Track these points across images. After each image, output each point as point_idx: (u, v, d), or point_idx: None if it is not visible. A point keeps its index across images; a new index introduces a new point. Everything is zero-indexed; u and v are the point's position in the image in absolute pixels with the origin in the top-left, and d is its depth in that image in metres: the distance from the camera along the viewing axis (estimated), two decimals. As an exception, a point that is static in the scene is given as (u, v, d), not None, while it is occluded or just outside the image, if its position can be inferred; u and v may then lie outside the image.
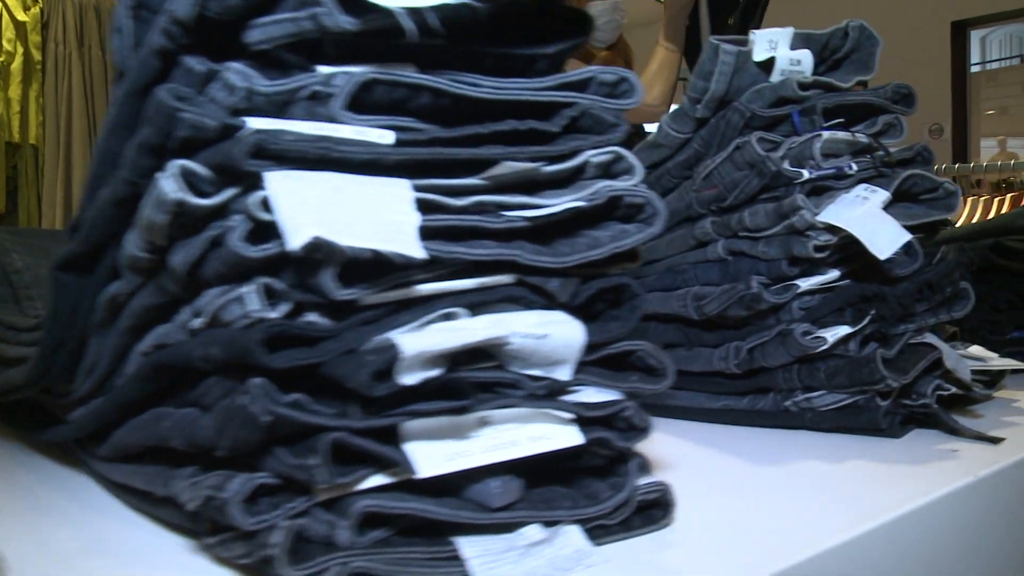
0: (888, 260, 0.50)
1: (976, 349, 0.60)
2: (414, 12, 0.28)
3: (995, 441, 0.48)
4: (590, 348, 0.34)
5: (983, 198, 1.55)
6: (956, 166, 1.71)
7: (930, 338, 0.52)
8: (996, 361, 0.57)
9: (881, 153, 0.55)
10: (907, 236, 0.50)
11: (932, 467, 0.44)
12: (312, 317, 0.29)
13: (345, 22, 0.28)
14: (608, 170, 0.35)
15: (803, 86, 0.54)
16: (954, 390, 0.52)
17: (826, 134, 0.53)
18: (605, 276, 0.35)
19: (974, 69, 4.31)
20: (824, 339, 0.50)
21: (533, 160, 0.33)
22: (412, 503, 0.29)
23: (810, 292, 0.52)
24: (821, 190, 0.53)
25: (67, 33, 2.66)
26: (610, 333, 0.34)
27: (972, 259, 0.67)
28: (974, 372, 0.57)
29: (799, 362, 0.51)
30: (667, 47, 1.59)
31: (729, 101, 0.54)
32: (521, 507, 0.31)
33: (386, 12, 0.28)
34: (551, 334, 0.31)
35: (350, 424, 0.28)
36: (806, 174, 0.51)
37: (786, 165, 0.52)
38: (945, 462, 0.45)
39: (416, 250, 0.28)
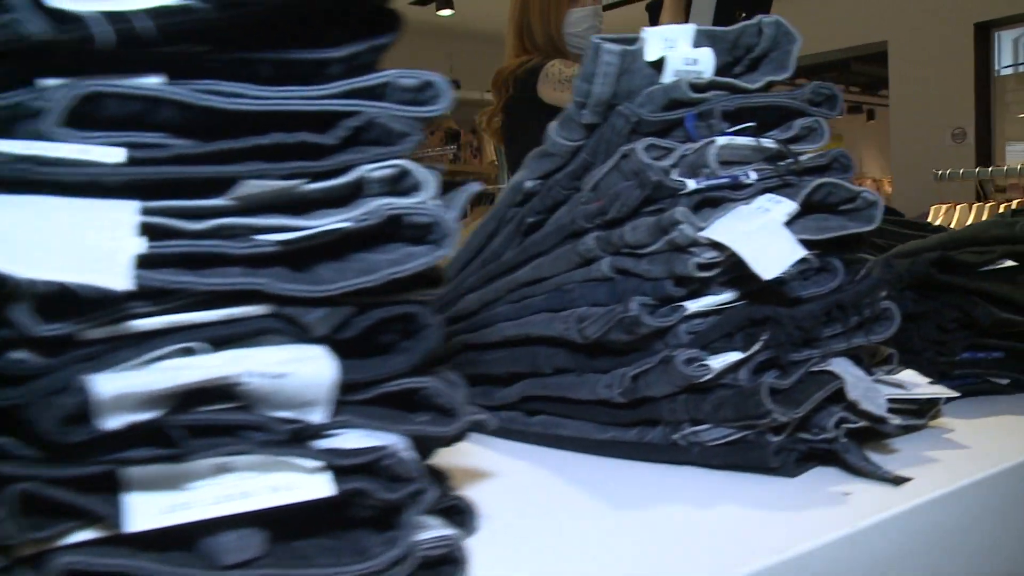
0: (780, 280, 0.46)
1: (908, 375, 0.56)
2: (118, 18, 0.27)
3: (898, 482, 0.44)
4: (363, 386, 0.31)
5: (988, 204, 1.47)
6: (956, 171, 1.63)
7: (835, 364, 0.48)
8: (922, 389, 0.53)
9: (789, 160, 0.52)
10: (801, 253, 0.46)
11: (811, 514, 0.40)
12: (21, 354, 0.27)
13: (38, 29, 0.26)
14: (395, 186, 0.33)
15: (697, 87, 0.51)
16: (862, 423, 0.48)
17: (722, 140, 0.50)
18: (389, 304, 0.32)
19: (1006, 71, 4.15)
20: (709, 367, 0.46)
21: (291, 177, 0.31)
22: (122, 559, 0.27)
23: (702, 314, 0.48)
24: (717, 202, 0.49)
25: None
26: (389, 368, 0.32)
27: (901, 274, 0.62)
28: (900, 401, 0.53)
29: (687, 392, 0.48)
30: None
31: (618, 105, 0.51)
32: (264, 563, 0.29)
33: (78, 20, 0.26)
34: (293, 373, 0.29)
35: (42, 473, 0.26)
36: (692, 184, 0.48)
37: (676, 174, 0.49)
38: (830, 508, 0.41)
39: (120, 281, 0.26)
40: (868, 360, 0.55)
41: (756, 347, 0.46)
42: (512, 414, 0.57)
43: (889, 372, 0.56)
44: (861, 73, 5.93)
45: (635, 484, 0.46)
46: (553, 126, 0.54)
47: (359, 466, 0.30)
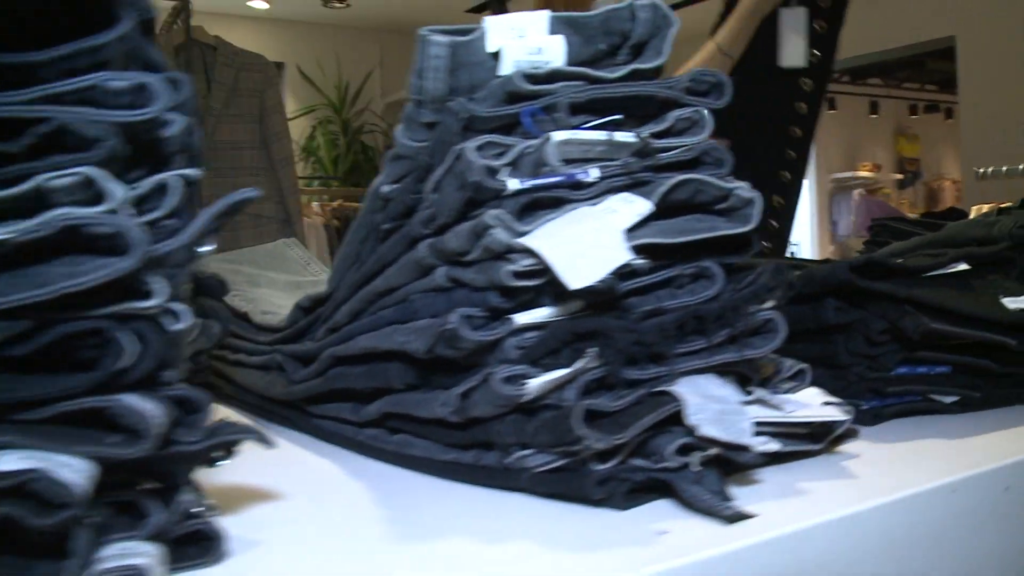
0: (597, 289, 0.42)
1: (807, 393, 0.50)
2: None
3: (732, 520, 0.39)
4: (35, 405, 0.30)
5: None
6: (999, 169, 1.47)
7: (685, 383, 0.44)
8: (808, 411, 0.47)
9: (643, 158, 0.47)
10: (624, 258, 0.42)
11: (600, 557, 0.36)
12: None
13: None
14: (84, 195, 0.32)
15: (536, 78, 0.47)
16: (715, 450, 0.43)
17: (562, 135, 0.46)
18: (78, 319, 0.31)
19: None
20: (527, 386, 0.42)
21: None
22: None
23: (536, 327, 0.45)
24: (558, 202, 0.46)
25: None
26: (60, 387, 0.30)
27: (792, 282, 0.56)
28: (786, 425, 0.48)
29: (515, 412, 0.44)
30: (721, 49, 1.34)
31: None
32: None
33: None
34: (-72, 391, 0.28)
35: None
36: (516, 184, 0.44)
37: (509, 173, 0.46)
38: (629, 549, 0.37)
39: None
40: (759, 377, 0.50)
41: (579, 364, 0.43)
42: (377, 431, 0.55)
43: (791, 390, 0.51)
44: (937, 70, 5.54)
45: (447, 513, 0.43)
46: (399, 127, 0.52)
47: (5, 490, 0.28)
